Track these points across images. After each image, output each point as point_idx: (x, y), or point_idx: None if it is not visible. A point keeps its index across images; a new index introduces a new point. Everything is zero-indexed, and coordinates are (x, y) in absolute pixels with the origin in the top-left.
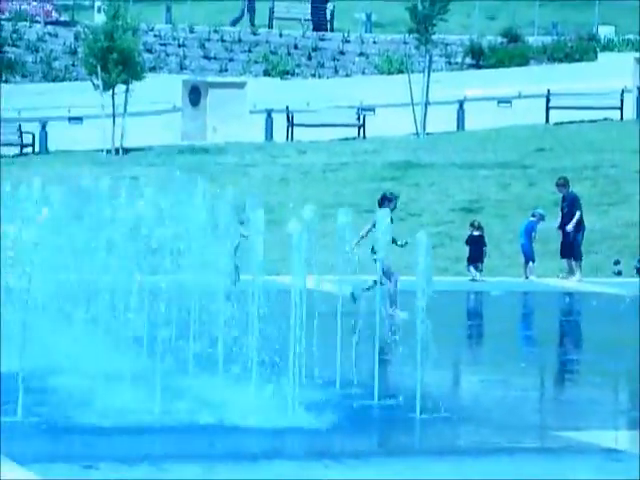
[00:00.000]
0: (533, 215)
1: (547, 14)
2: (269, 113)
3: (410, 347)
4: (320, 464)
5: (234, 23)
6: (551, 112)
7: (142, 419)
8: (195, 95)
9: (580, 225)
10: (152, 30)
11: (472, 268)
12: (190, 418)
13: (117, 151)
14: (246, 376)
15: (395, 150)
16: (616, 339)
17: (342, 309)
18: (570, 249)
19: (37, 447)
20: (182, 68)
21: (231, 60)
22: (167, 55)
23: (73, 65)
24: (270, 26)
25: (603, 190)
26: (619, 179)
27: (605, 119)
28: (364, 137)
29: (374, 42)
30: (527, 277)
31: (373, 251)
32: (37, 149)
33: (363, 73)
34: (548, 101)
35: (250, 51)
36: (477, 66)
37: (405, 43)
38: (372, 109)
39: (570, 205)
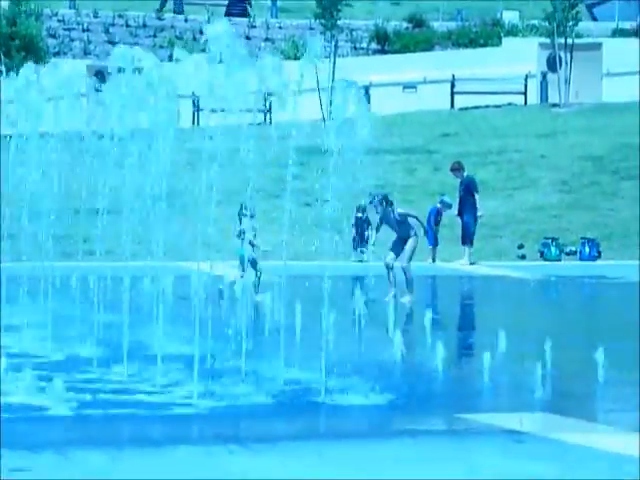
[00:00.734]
0: (441, 202)
1: (452, 0)
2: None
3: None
4: (225, 449)
5: (160, 9)
6: (456, 97)
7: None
8: (99, 80)
9: (474, 210)
10: (56, 15)
11: (359, 250)
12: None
13: None
14: None
15: (302, 135)
16: (519, 321)
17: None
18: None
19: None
20: (86, 53)
21: (136, 45)
22: (71, 40)
23: None
24: (180, 11)
25: (508, 175)
26: (523, 164)
27: (509, 104)
28: (270, 122)
29: (280, 27)
30: (434, 261)
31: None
32: None
33: None
34: (453, 86)
35: (155, 36)
36: (382, 51)
37: (311, 29)
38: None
39: (465, 190)
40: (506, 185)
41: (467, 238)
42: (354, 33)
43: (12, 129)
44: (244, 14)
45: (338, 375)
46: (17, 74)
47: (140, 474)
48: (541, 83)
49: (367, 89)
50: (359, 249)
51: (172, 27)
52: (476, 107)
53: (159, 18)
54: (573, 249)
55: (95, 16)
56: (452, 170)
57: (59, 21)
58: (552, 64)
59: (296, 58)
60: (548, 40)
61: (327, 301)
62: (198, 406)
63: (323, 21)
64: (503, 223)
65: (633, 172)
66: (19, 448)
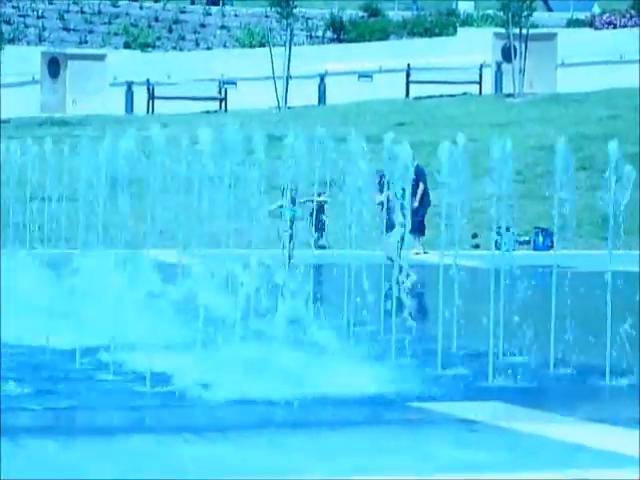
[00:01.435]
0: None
1: None
2: (129, 86)
3: None
4: (178, 438)
5: None
6: (411, 86)
7: None
8: (54, 67)
9: (424, 199)
10: (10, 1)
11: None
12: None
13: None
14: None
15: (257, 123)
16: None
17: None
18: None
19: None
20: (41, 40)
21: (91, 32)
22: (26, 27)
23: None
24: None
25: (462, 164)
26: (478, 153)
27: (464, 94)
28: (226, 110)
29: (235, 15)
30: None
31: None
32: None
33: (225, 46)
34: (408, 75)
35: (110, 23)
36: (338, 40)
37: (267, 17)
38: (234, 82)
39: (415, 179)
40: (460, 174)
41: (417, 227)
42: (310, 22)
43: None
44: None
45: None
46: None
47: (93, 462)
48: (496, 73)
49: (323, 78)
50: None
51: (127, 14)
52: (431, 96)
53: (113, 5)
54: (527, 239)
55: (50, 3)
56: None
57: (14, 7)
58: (507, 54)
59: (252, 46)
60: (503, 30)
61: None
62: (153, 395)
63: (279, 9)
64: (457, 213)
65: (587, 162)
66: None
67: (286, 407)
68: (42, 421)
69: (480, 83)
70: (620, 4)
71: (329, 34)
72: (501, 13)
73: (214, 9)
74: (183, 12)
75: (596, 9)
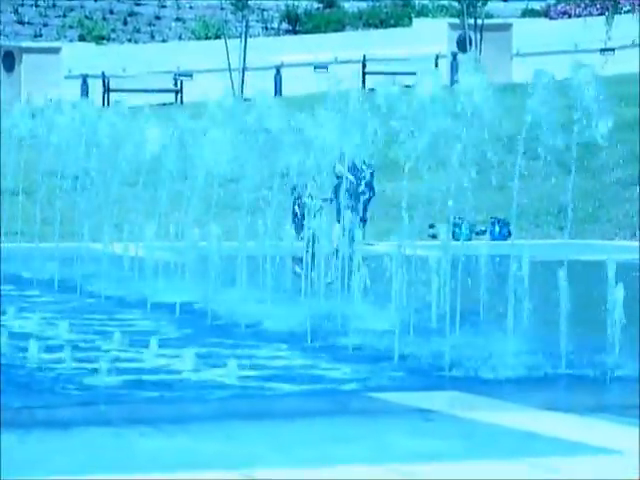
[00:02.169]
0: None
1: None
2: (85, 79)
3: None
4: (135, 431)
5: None
6: (367, 77)
7: None
8: (9, 61)
9: (368, 190)
10: None
11: None
12: None
13: None
14: None
15: (213, 115)
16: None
17: None
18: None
19: None
20: None
21: (45, 25)
22: None
23: None
24: None
25: (419, 154)
26: (434, 143)
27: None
28: (182, 102)
29: (190, 7)
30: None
31: None
32: None
33: (180, 38)
34: (364, 67)
35: (65, 16)
36: (294, 32)
37: (222, 9)
38: (189, 75)
39: (361, 170)
40: (417, 165)
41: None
42: (265, 13)
43: None
44: None
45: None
46: None
47: (48, 455)
48: (451, 64)
49: (278, 69)
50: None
51: (82, 7)
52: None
53: None
54: (483, 229)
55: None
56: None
57: None
58: (462, 45)
59: (207, 38)
60: (458, 21)
61: None
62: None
63: (234, 1)
64: (414, 203)
65: (542, 152)
66: None
67: (241, 398)
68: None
69: None
70: None
71: (284, 26)
72: (456, 3)
73: (169, 1)
74: (138, 4)
75: None
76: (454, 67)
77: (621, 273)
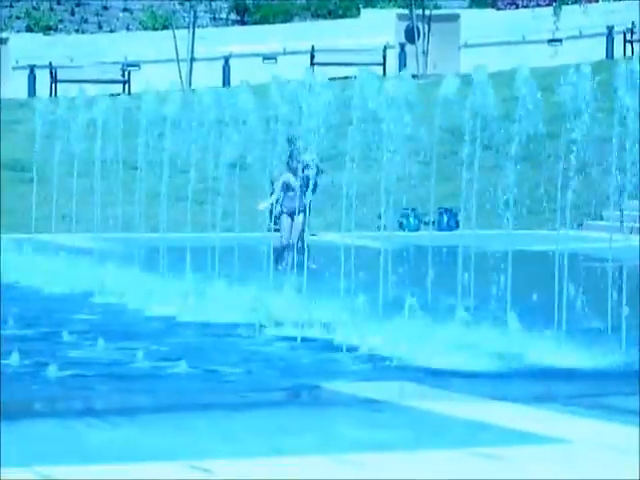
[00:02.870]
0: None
1: None
2: (32, 69)
3: None
4: (82, 423)
5: None
6: (315, 68)
7: None
8: None
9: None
10: None
11: None
12: None
13: None
14: None
15: (161, 106)
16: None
17: None
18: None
19: None
20: None
21: None
22: None
23: None
24: None
25: (367, 145)
26: (383, 134)
27: None
28: (129, 93)
29: None
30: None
31: None
32: None
33: (128, 29)
34: (312, 57)
35: (12, 6)
36: (242, 22)
37: None
38: (137, 65)
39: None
40: (368, 155)
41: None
42: (213, 4)
43: None
44: None
45: None
46: None
47: None
48: (399, 54)
49: (227, 60)
50: None
51: None
52: (335, 78)
53: None
54: (431, 219)
55: None
56: (289, 141)
57: None
58: (410, 35)
59: (155, 29)
60: (406, 11)
61: None
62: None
63: None
64: (363, 194)
65: (490, 142)
66: None
67: (190, 389)
68: None
69: (384, 65)
70: None
71: (233, 16)
72: None
73: None
74: None
75: None
76: (402, 58)
77: (554, 263)
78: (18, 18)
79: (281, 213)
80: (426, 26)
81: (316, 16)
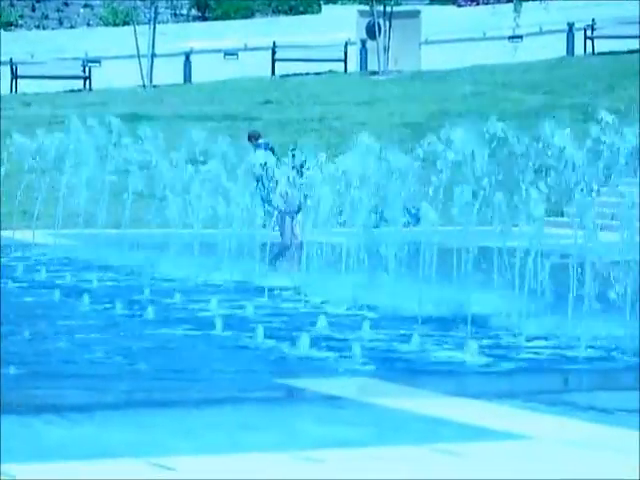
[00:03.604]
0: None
1: None
2: None
3: None
4: (40, 420)
5: None
6: (277, 64)
7: None
8: None
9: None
10: None
11: None
12: None
13: None
14: None
15: (122, 102)
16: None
17: None
18: None
19: None
20: None
21: None
22: None
23: None
24: None
25: (329, 142)
26: (344, 131)
27: (330, 71)
28: (90, 89)
29: None
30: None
31: None
32: None
33: (88, 25)
34: (274, 53)
35: None
36: (203, 18)
37: None
38: (98, 61)
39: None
40: (327, 152)
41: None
42: (174, 0)
43: None
44: None
45: None
46: None
47: None
48: (360, 51)
49: (188, 56)
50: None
51: None
52: (297, 74)
53: None
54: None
55: None
56: (250, 138)
57: None
58: (371, 32)
59: (115, 24)
60: (367, 8)
61: None
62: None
63: None
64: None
65: (451, 139)
66: None
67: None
68: None
69: (345, 61)
70: None
71: (194, 12)
72: None
73: None
74: None
75: None
76: (363, 54)
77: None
78: None
79: (281, 213)
80: (387, 22)
81: (277, 12)
